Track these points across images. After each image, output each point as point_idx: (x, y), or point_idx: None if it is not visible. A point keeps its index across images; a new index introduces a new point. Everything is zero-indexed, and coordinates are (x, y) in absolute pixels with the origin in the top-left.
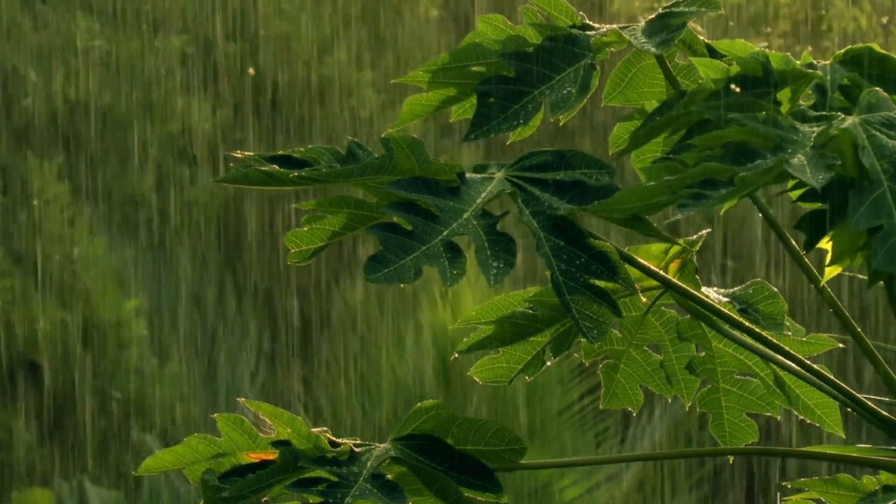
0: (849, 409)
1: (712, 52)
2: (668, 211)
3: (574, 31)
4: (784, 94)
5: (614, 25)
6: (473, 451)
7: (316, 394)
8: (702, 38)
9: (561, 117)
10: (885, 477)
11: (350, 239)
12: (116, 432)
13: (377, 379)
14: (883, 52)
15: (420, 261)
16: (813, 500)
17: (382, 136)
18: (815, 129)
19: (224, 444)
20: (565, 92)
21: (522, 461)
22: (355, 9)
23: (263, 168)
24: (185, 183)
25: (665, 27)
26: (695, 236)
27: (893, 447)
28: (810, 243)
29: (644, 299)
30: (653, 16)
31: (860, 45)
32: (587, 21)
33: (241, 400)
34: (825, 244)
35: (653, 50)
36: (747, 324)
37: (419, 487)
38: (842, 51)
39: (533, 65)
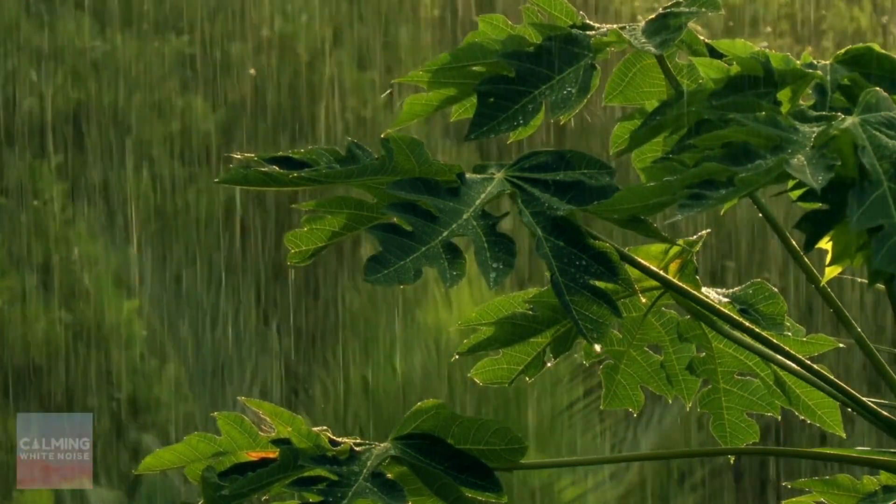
0: (849, 410)
1: (712, 52)
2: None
3: (574, 30)
4: (784, 94)
5: (614, 25)
6: (474, 450)
7: (316, 393)
8: (702, 37)
9: (561, 117)
10: (885, 477)
11: (351, 239)
12: (116, 432)
13: (377, 379)
14: (883, 52)
15: (420, 262)
16: (813, 500)
17: (382, 136)
18: (815, 129)
19: (224, 443)
20: (565, 92)
21: (522, 461)
22: (356, 8)
23: (263, 169)
24: (185, 182)
25: (665, 27)
26: (695, 237)
27: (893, 448)
28: (810, 243)
29: (644, 300)
30: (653, 16)
31: (860, 45)
32: (587, 21)
33: (242, 399)
34: (825, 244)
35: (653, 50)
36: (747, 324)
37: (419, 487)
38: (842, 51)
39: (533, 65)
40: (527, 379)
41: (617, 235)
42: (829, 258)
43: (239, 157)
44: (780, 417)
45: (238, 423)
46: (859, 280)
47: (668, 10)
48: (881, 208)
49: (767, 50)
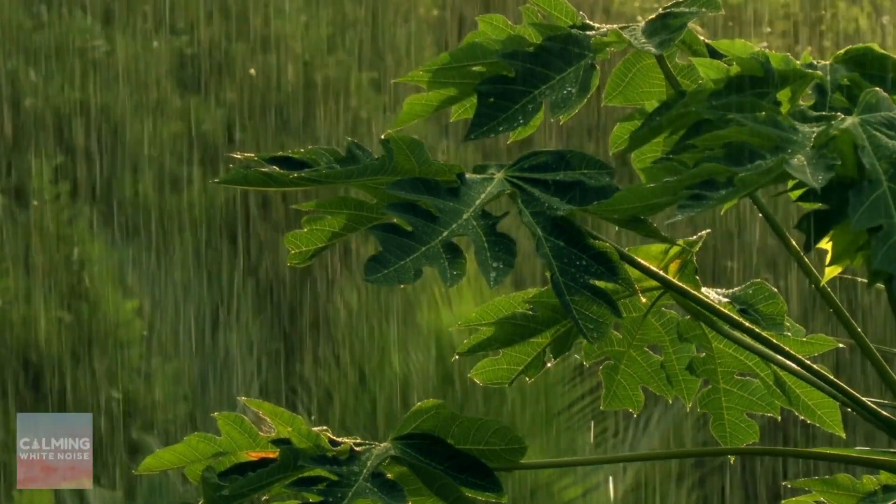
0: (849, 410)
1: (712, 52)
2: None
3: (574, 31)
4: (784, 94)
5: (614, 25)
6: (474, 450)
7: (316, 393)
8: (702, 37)
9: (561, 117)
10: (884, 477)
11: (351, 239)
12: (116, 432)
13: (377, 379)
14: (883, 52)
15: (420, 261)
16: (813, 500)
17: (382, 136)
18: (815, 129)
19: (224, 443)
20: (565, 92)
21: (522, 461)
22: (355, 9)
23: (263, 169)
24: (185, 182)
25: (665, 27)
26: (695, 237)
27: (893, 448)
28: (810, 243)
29: (644, 300)
30: (653, 16)
31: (860, 45)
32: (587, 21)
33: (242, 399)
34: (825, 244)
35: (653, 50)
36: (747, 324)
37: (419, 487)
38: (842, 51)
39: (533, 65)
40: (527, 379)
41: (617, 235)
42: (829, 258)
43: (239, 157)
44: (780, 417)
45: (238, 424)
46: (859, 280)
47: (668, 10)
48: (881, 208)
49: (767, 50)
